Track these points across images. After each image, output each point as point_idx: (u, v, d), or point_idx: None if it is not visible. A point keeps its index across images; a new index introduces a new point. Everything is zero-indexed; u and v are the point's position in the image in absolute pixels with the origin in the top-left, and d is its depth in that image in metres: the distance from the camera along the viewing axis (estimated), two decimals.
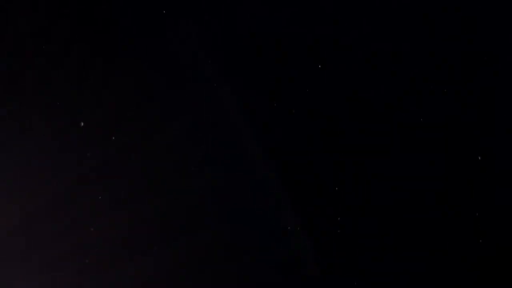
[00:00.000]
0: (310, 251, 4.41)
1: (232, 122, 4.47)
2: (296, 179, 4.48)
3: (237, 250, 4.43)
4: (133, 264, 4.39)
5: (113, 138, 4.38)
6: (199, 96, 4.50)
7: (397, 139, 4.48)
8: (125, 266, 4.40)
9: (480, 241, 4.40)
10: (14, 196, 4.36)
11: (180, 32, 4.48)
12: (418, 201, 4.45)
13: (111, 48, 4.46)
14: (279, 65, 4.49)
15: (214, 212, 4.44)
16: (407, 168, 4.47)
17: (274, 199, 4.46)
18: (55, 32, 4.45)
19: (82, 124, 4.40)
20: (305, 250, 4.41)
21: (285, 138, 4.50)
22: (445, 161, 4.46)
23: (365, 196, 4.46)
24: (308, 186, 4.48)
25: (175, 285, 4.42)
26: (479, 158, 4.43)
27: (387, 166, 4.47)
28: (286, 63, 4.50)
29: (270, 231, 4.45)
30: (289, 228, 4.42)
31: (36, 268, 4.36)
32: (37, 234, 4.37)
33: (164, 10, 4.44)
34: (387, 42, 4.51)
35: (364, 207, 4.46)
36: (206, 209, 4.44)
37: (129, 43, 4.48)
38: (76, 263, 4.37)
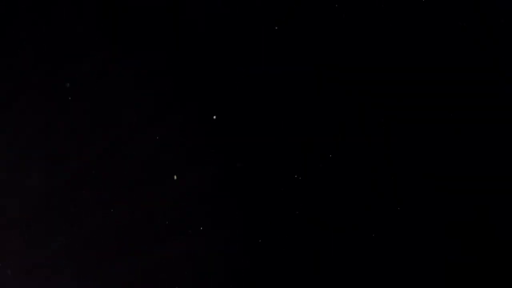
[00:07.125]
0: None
1: None
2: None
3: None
4: (121, 265, 4.37)
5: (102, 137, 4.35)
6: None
7: None
8: (114, 267, 4.38)
9: None
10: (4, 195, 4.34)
11: None
12: None
13: None
14: None
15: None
16: None
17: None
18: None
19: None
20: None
21: None
22: None
23: None
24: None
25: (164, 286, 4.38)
26: None
27: None
28: None
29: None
30: None
31: (28, 267, 4.34)
32: (27, 233, 4.36)
33: None
34: None
35: None
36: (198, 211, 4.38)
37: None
38: (66, 263, 4.36)
